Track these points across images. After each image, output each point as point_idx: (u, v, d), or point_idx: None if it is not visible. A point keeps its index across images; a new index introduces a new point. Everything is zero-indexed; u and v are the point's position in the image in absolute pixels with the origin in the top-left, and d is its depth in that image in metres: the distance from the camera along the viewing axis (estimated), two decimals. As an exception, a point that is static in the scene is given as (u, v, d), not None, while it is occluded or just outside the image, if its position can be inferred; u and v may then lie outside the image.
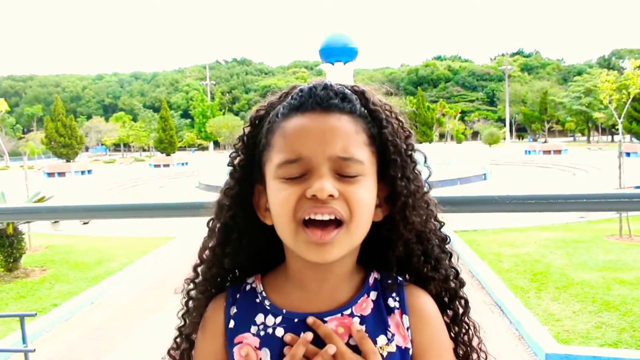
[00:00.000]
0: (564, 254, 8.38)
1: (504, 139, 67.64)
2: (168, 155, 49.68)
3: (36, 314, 4.11)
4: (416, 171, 0.93)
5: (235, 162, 0.94)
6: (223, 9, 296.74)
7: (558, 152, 44.38)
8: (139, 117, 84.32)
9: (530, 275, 7.29)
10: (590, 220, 11.32)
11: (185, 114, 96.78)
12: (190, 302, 0.98)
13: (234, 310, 0.92)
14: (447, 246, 0.98)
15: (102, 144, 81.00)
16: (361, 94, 0.91)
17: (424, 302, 0.93)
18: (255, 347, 0.88)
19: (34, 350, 3.39)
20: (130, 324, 6.36)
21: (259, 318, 0.90)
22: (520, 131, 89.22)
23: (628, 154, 36.41)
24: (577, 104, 63.50)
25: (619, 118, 10.87)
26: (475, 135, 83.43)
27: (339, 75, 25.87)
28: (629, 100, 11.24)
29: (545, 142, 51.18)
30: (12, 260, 8.29)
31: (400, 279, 0.94)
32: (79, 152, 44.30)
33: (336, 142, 0.83)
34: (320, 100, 0.86)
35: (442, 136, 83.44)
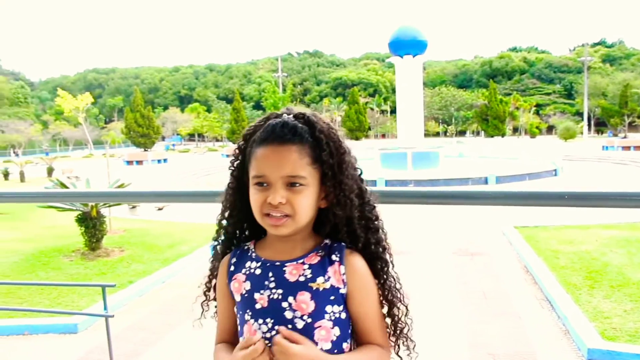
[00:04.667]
0: (625, 253, 8.25)
1: (581, 133, 64.88)
2: (240, 145, 50.85)
3: (115, 285, 4.67)
4: (347, 177, 1.33)
5: (234, 164, 1.40)
6: (296, 0, 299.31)
7: (639, 148, 42.21)
8: (212, 108, 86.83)
9: (585, 273, 7.27)
10: (660, 221, 10.97)
11: (257, 106, 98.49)
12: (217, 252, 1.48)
13: (234, 259, 1.39)
14: (375, 223, 1.38)
15: (177, 134, 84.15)
16: (311, 125, 1.31)
17: (355, 259, 1.35)
18: (242, 281, 1.35)
19: (113, 316, 3.90)
20: (197, 303, 6.90)
21: (248, 264, 1.36)
22: (600, 126, 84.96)
23: None
24: (662, 97, 59.95)
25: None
26: (550, 129, 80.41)
27: (407, 69, 25.85)
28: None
29: (625, 137, 48.64)
30: (95, 241, 9.09)
31: (343, 244, 1.36)
32: (156, 141, 46.27)
33: (286, 167, 1.26)
34: (277, 137, 1.28)
35: (515, 130, 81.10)
